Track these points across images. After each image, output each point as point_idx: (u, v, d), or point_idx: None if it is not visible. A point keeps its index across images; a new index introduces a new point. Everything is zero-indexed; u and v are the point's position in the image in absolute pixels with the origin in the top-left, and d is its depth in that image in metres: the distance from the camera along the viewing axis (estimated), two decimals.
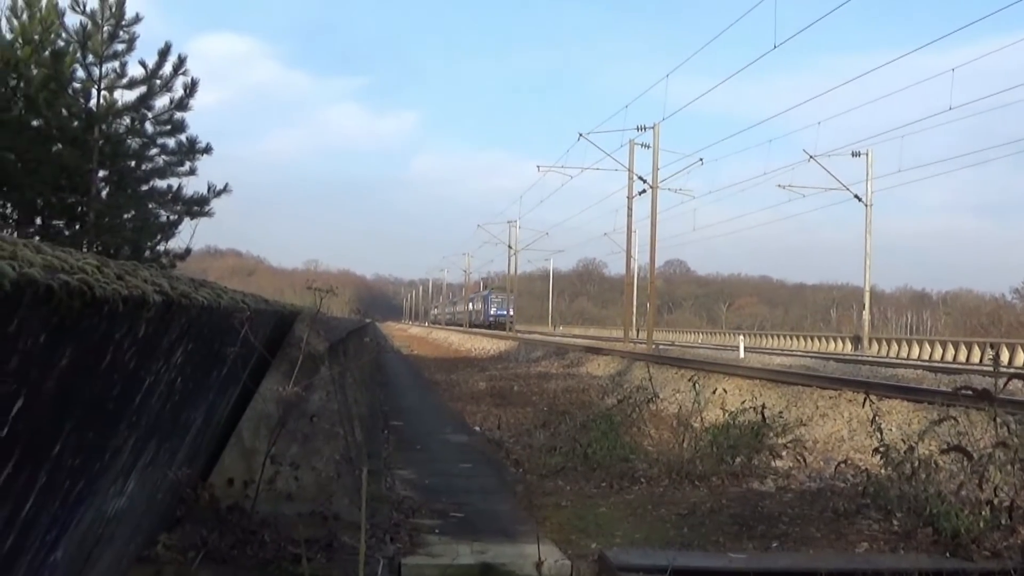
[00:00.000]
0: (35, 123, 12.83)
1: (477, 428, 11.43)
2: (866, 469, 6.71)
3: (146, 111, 13.61)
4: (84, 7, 13.18)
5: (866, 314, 33.12)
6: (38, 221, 13.19)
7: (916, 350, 32.80)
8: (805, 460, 8.20)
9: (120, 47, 13.33)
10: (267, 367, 4.64)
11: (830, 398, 11.63)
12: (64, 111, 13.12)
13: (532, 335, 50.70)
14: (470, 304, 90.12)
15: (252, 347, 3.70)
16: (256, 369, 4.48)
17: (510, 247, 61.94)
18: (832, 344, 40.53)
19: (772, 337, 47.67)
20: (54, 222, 13.29)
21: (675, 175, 47.03)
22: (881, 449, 6.17)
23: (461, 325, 79.11)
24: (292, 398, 3.98)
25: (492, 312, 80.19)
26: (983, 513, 5.19)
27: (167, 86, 13.51)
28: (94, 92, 13.32)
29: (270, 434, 4.20)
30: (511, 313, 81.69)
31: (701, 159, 32.34)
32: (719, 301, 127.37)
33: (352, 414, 6.11)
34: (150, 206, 13.95)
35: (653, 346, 29.58)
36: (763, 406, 9.20)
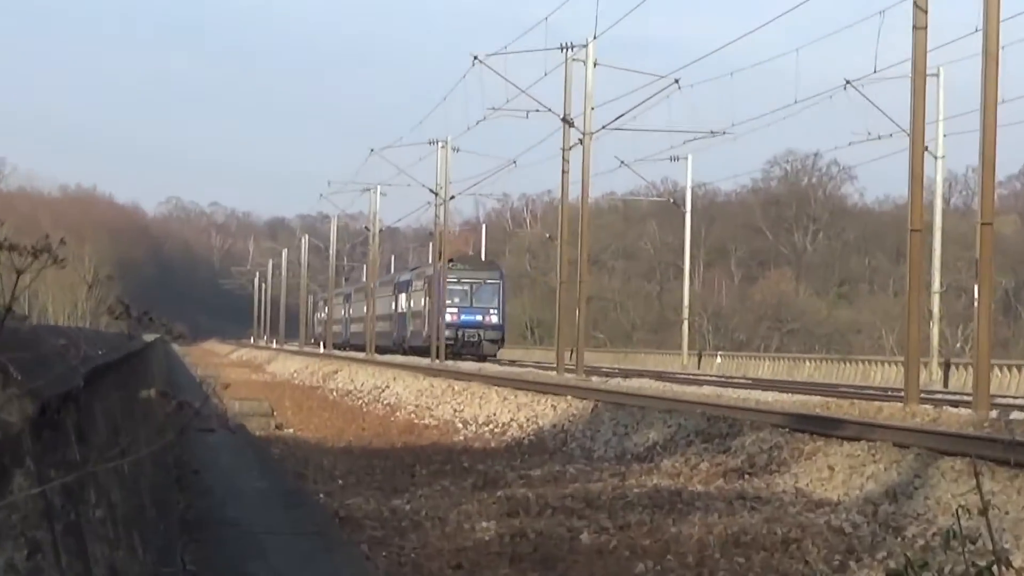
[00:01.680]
0: None
1: None
2: None
3: None
4: None
5: None
6: None
7: None
8: None
9: None
10: None
11: None
12: None
13: (629, 381, 41.34)
14: (401, 297, 71.95)
15: None
16: None
17: (567, 121, 40.14)
18: None
19: None
20: None
21: None
22: None
23: (442, 350, 58.41)
24: None
25: (452, 315, 63.04)
26: None
27: None
28: None
29: None
30: (496, 320, 66.28)
31: None
32: None
33: None
34: None
35: (992, 412, 20.08)
36: None
